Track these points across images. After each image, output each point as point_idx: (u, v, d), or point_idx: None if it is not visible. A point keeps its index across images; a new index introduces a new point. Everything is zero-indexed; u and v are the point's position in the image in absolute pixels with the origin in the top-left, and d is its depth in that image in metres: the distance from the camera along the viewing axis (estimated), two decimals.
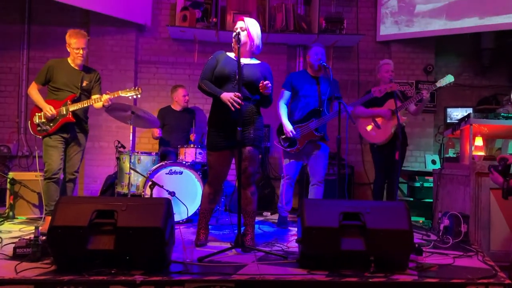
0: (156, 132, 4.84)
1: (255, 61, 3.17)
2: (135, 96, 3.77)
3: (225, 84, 3.03)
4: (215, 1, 5.30)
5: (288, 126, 3.86)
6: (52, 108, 3.61)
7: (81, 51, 3.69)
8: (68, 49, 3.72)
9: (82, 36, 3.68)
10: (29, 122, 3.73)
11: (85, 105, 3.69)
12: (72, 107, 3.66)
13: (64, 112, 3.64)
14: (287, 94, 3.99)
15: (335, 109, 3.63)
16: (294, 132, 3.84)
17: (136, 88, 3.77)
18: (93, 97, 3.76)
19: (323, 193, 3.95)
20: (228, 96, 2.90)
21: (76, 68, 3.76)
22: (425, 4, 5.55)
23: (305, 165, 4.11)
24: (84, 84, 3.76)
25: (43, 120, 3.64)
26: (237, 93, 2.87)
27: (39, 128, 3.65)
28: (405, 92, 4.57)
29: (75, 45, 3.66)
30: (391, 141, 4.17)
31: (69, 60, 3.76)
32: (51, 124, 3.64)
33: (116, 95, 3.68)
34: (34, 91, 3.73)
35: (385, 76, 4.24)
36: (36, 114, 3.68)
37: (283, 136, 3.93)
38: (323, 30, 5.35)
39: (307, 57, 4.00)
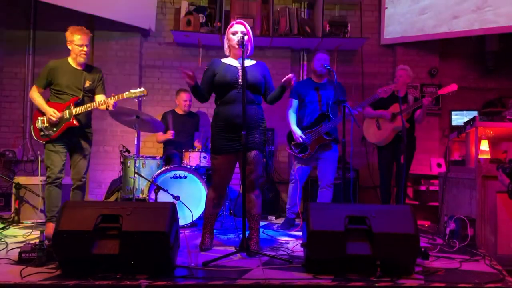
0: (170, 134, 4.77)
1: (252, 62, 3.19)
2: (140, 98, 3.60)
3: (228, 91, 3.03)
4: (219, 6, 5.32)
5: (297, 132, 3.93)
6: (56, 111, 3.46)
7: (84, 48, 3.51)
8: (70, 47, 3.53)
9: (85, 33, 3.53)
10: (32, 127, 3.58)
11: (88, 109, 3.53)
12: (76, 111, 3.50)
13: (68, 116, 3.49)
14: (294, 102, 4.07)
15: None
16: (304, 137, 3.89)
17: (142, 89, 3.59)
18: (97, 98, 3.62)
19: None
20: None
21: (78, 67, 3.57)
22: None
23: (314, 167, 4.11)
24: (86, 84, 3.59)
25: (45, 124, 3.50)
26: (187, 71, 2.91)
27: (42, 133, 3.51)
28: (418, 98, 4.58)
29: (79, 41, 3.49)
30: (392, 143, 4.19)
31: (70, 60, 3.58)
32: (54, 129, 3.49)
33: (121, 98, 3.52)
34: (35, 94, 3.56)
35: (398, 80, 4.26)
36: (39, 118, 3.53)
37: (294, 143, 3.99)
38: (327, 33, 5.36)
39: (311, 64, 4.08)
